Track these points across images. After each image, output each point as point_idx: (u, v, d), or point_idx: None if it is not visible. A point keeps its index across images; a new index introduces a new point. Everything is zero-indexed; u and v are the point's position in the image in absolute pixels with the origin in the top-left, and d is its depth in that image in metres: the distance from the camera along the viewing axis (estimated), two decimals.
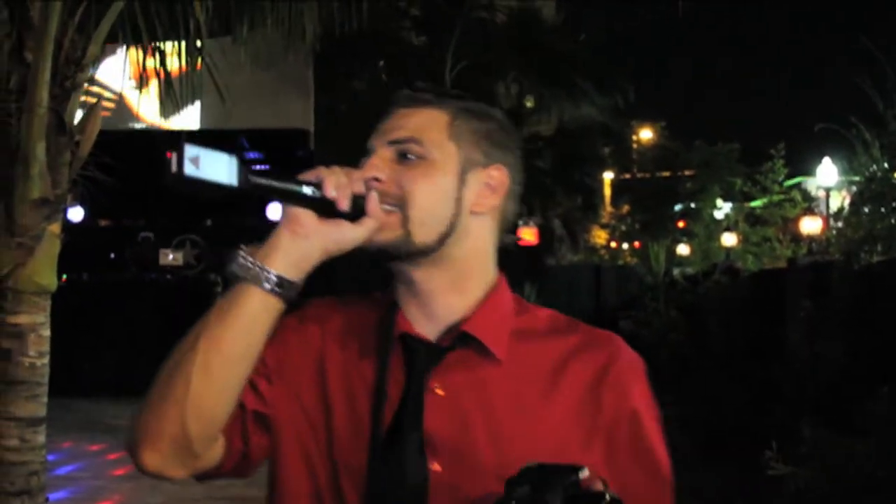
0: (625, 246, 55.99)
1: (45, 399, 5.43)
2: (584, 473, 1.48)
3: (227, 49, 8.11)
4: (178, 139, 1.58)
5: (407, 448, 1.73)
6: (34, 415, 5.33)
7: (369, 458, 1.72)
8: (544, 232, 27.78)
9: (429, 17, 22.45)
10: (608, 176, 53.68)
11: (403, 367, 1.78)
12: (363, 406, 1.77)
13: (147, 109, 17.56)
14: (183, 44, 6.59)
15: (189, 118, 16.79)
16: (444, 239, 1.78)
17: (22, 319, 5.30)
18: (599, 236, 53.54)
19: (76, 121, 5.62)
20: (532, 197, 25.28)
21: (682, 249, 46.40)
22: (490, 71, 24.38)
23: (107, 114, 16.04)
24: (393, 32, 23.10)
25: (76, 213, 16.65)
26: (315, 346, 1.85)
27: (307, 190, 1.68)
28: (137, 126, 18.20)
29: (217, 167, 1.62)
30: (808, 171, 33.17)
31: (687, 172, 51.95)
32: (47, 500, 5.53)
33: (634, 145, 57.95)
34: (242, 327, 1.70)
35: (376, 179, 1.76)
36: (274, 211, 18.16)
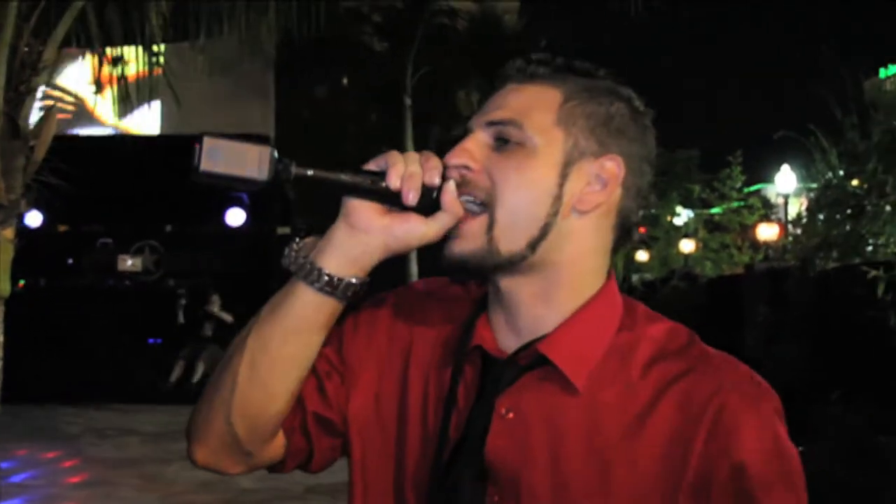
0: None
1: None
2: None
3: (187, 55, 8.10)
4: (197, 139, 1.43)
5: (465, 473, 1.55)
6: None
7: (430, 478, 1.57)
8: None
9: (390, 23, 22.44)
10: None
11: (477, 382, 1.58)
12: (433, 419, 1.61)
13: (108, 114, 17.50)
14: (140, 49, 6.56)
15: (150, 123, 16.77)
16: (534, 244, 1.50)
17: None
18: None
19: (31, 125, 5.58)
20: None
21: (641, 256, 46.57)
22: (451, 77, 24.42)
23: (66, 116, 15.97)
24: (355, 38, 23.09)
25: (34, 219, 16.54)
26: (404, 341, 1.69)
27: (367, 180, 1.50)
28: (99, 131, 18.10)
29: (244, 160, 1.45)
30: (768, 178, 33.41)
31: None
32: None
33: None
34: (292, 328, 1.56)
35: (466, 167, 1.53)
36: (232, 217, 18.13)
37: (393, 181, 1.48)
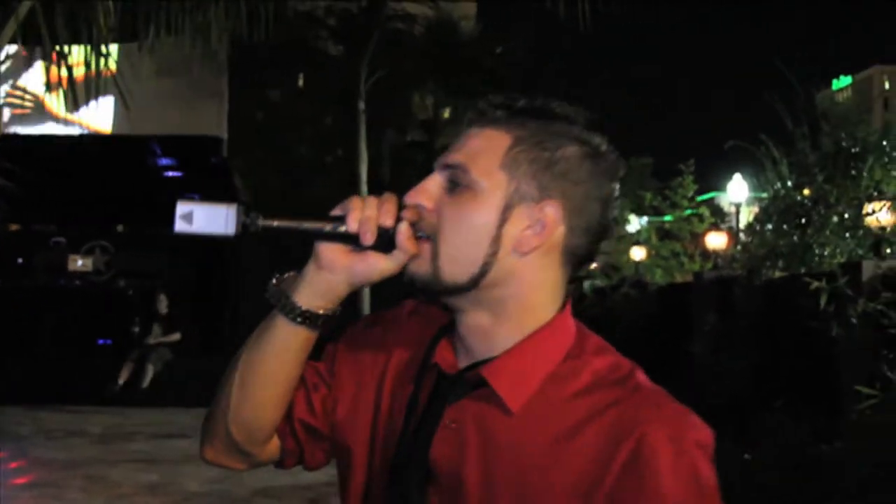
0: None
1: None
2: None
3: (139, 56, 8.07)
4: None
5: (410, 479, 1.73)
6: None
7: (384, 486, 1.77)
8: None
9: (346, 27, 22.42)
10: None
11: (431, 396, 1.77)
12: (395, 430, 1.79)
13: (64, 114, 17.39)
14: (87, 49, 6.55)
15: (103, 123, 16.68)
16: (476, 280, 1.64)
17: None
18: None
19: None
20: None
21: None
22: (407, 81, 24.43)
23: (25, 112, 15.83)
24: (310, 42, 23.06)
25: None
26: (384, 357, 1.89)
27: (328, 226, 1.68)
28: (55, 130, 17.98)
29: (212, 219, 1.65)
30: (721, 187, 33.63)
31: None
32: None
33: None
34: (272, 351, 1.78)
35: (423, 206, 1.68)
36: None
37: (351, 225, 1.65)
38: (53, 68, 6.67)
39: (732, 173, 30.77)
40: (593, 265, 44.03)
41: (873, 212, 10.08)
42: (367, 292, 18.22)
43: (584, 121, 1.70)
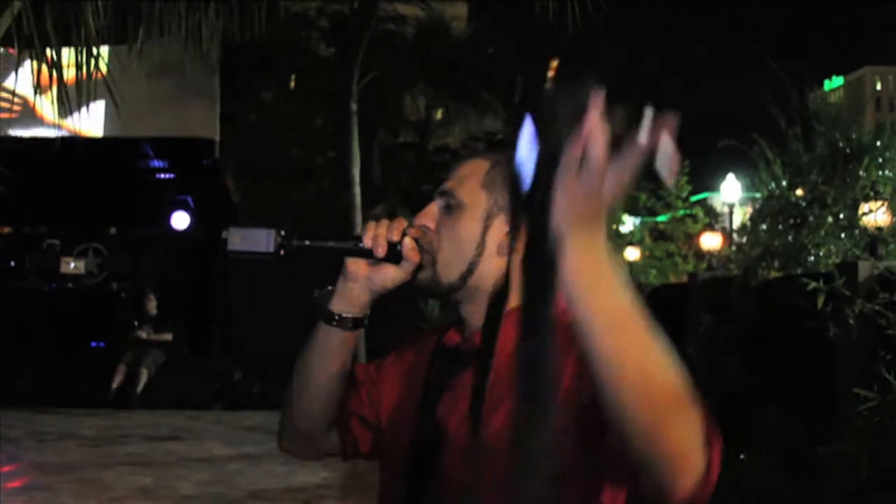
0: None
1: None
2: None
3: (130, 57, 8.01)
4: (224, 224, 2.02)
5: (423, 437, 2.10)
6: None
7: (413, 435, 2.13)
8: None
9: (337, 28, 22.37)
10: None
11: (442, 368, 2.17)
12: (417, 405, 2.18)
13: (54, 116, 17.30)
14: (78, 51, 6.50)
15: (94, 125, 16.59)
16: (465, 277, 2.10)
17: None
18: None
19: None
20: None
21: None
22: (398, 82, 24.40)
23: (12, 116, 15.75)
24: (301, 43, 23.02)
25: None
26: (421, 355, 2.27)
27: (348, 244, 2.10)
28: (44, 132, 17.91)
29: (257, 240, 2.05)
30: (714, 187, 33.64)
31: None
32: None
33: None
34: (317, 351, 2.19)
35: (426, 227, 2.13)
36: (177, 220, 18.01)
37: (366, 241, 2.07)
38: (43, 70, 6.62)
39: (725, 173, 30.80)
40: None
41: (870, 212, 10.05)
42: None
43: None
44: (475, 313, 2.11)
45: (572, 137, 1.44)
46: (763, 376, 8.62)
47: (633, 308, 1.52)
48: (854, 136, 10.59)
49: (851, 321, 7.68)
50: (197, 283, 19.13)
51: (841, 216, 10.39)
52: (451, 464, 2.03)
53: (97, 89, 7.11)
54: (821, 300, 7.81)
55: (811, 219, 10.49)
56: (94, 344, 18.12)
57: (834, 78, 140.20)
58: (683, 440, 1.53)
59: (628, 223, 47.43)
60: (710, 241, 32.53)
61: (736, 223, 26.69)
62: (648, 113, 1.49)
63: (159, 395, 16.20)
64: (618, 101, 1.56)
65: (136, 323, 17.26)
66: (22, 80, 7.85)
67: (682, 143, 1.49)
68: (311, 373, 2.21)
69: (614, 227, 47.08)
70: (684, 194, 35.74)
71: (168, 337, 17.18)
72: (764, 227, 11.45)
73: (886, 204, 9.98)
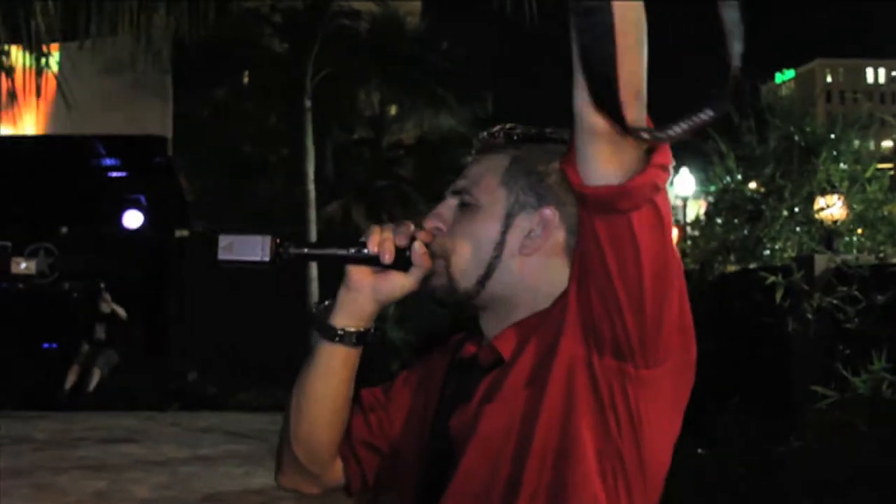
0: None
1: None
2: None
3: (81, 55, 7.91)
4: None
5: (435, 448, 1.96)
6: None
7: (427, 447, 1.99)
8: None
9: (291, 24, 22.27)
10: None
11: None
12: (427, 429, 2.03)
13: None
14: (27, 48, 6.39)
15: (44, 124, 16.41)
16: (483, 281, 1.90)
17: None
18: None
19: None
20: (393, 206, 25.31)
21: None
22: (352, 78, 24.32)
23: None
24: (255, 39, 22.90)
25: None
26: (433, 376, 2.10)
27: (350, 251, 1.90)
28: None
29: (249, 248, 1.86)
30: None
31: None
32: None
33: None
34: (319, 371, 1.98)
35: (438, 228, 1.96)
36: (130, 218, 17.85)
37: (371, 247, 1.88)
38: None
39: (678, 167, 30.93)
40: None
41: (826, 206, 10.08)
42: (315, 281, 18.19)
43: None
44: (493, 321, 1.94)
45: None
46: (722, 372, 8.63)
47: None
48: (809, 130, 10.64)
49: (809, 315, 7.70)
50: (151, 282, 18.99)
51: (797, 210, 10.44)
52: (464, 479, 1.86)
53: (48, 88, 7.01)
54: (779, 294, 7.82)
55: (767, 212, 10.53)
56: (46, 345, 17.96)
57: (785, 71, 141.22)
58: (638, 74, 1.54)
59: None
60: None
61: (690, 217, 26.78)
62: None
63: (113, 397, 16.08)
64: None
65: (96, 328, 17.13)
66: None
67: None
68: (313, 396, 2.00)
69: None
70: None
71: (123, 314, 17.07)
72: (719, 220, 11.48)
73: (842, 197, 10.02)
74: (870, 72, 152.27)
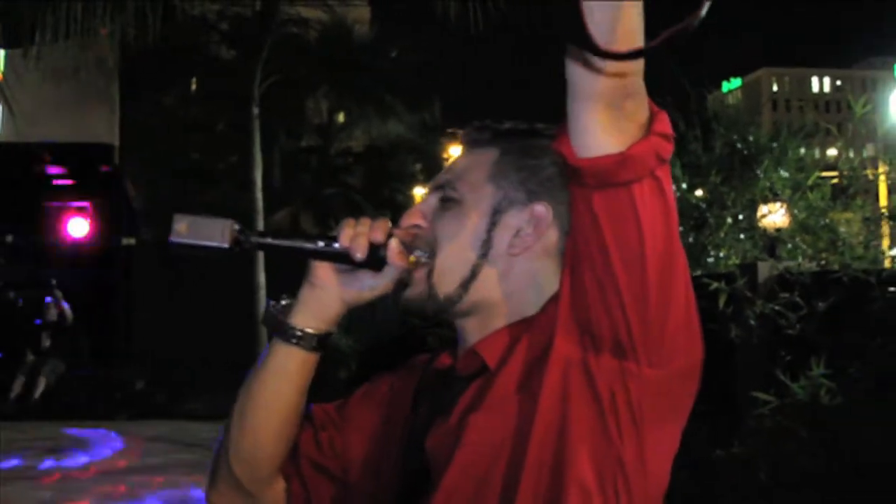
0: None
1: None
2: None
3: (27, 61, 7.88)
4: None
5: (410, 471, 1.78)
6: None
7: (401, 464, 1.82)
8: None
9: (238, 31, 22.20)
10: (420, 192, 54.13)
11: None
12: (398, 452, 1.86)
13: None
14: None
15: None
16: (466, 284, 1.74)
17: None
18: None
19: None
20: (342, 213, 25.28)
21: None
22: (301, 86, 24.28)
23: None
24: (202, 46, 22.82)
25: None
26: (394, 398, 1.93)
27: (319, 243, 1.74)
28: None
29: (208, 231, 1.69)
30: None
31: None
32: None
33: (446, 161, 58.54)
34: (270, 376, 1.79)
35: (417, 226, 1.79)
36: (75, 228, 17.75)
37: (343, 241, 1.71)
38: None
39: None
40: None
41: (769, 213, 10.18)
42: (263, 289, 18.15)
43: None
44: (475, 329, 1.76)
45: None
46: None
47: None
48: (752, 138, 10.73)
49: (752, 322, 7.78)
50: (98, 290, 18.88)
51: (740, 217, 10.52)
52: (446, 500, 1.66)
53: None
54: (722, 301, 7.89)
55: (711, 220, 10.60)
56: None
57: (732, 79, 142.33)
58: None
59: None
60: None
61: None
62: None
63: (60, 406, 15.96)
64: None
65: (44, 336, 17.02)
66: None
67: None
68: (261, 402, 1.79)
69: None
70: None
71: (70, 316, 17.00)
72: None
73: (785, 205, 10.12)
74: (815, 81, 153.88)
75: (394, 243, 1.71)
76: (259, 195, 19.95)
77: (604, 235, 1.50)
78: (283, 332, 1.78)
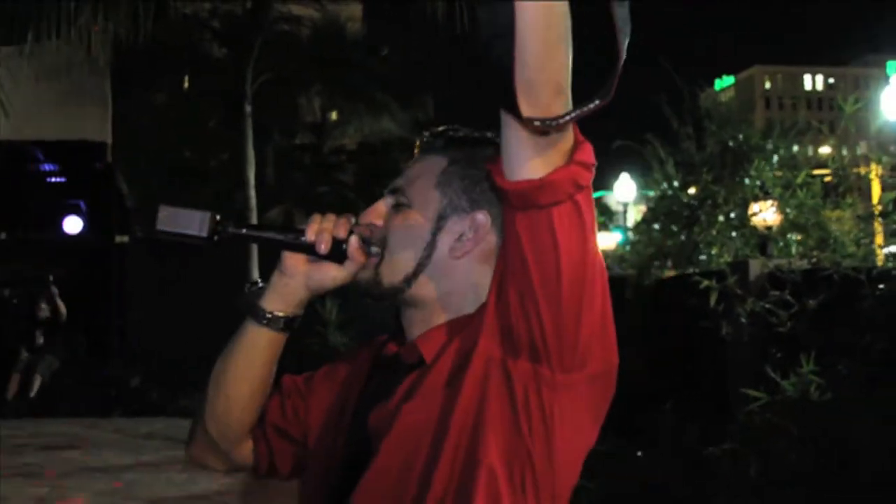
0: None
1: None
2: None
3: (17, 60, 7.89)
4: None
5: (353, 444, 1.97)
6: None
7: (345, 441, 2.02)
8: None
9: (230, 29, 22.16)
10: None
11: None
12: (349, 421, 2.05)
13: None
14: None
15: None
16: (409, 280, 1.93)
17: None
18: None
19: None
20: (335, 210, 25.20)
21: None
22: (293, 84, 24.25)
23: None
24: (194, 44, 22.77)
25: None
26: (355, 371, 2.13)
27: (289, 237, 1.95)
28: None
29: (188, 221, 1.89)
30: (608, 186, 33.94)
31: None
32: None
33: None
34: (242, 352, 2.03)
35: (374, 224, 1.98)
36: (70, 224, 17.71)
37: (308, 235, 1.92)
38: None
39: (619, 172, 31.07)
40: None
41: (760, 211, 10.22)
42: (256, 269, 18.13)
43: None
44: (417, 321, 1.96)
45: None
46: (659, 375, 8.74)
47: None
48: (743, 136, 10.76)
49: (743, 319, 7.82)
50: (92, 288, 18.87)
51: (732, 215, 10.56)
52: (377, 475, 1.86)
53: None
54: (713, 298, 7.93)
55: (703, 218, 10.64)
56: None
57: (724, 77, 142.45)
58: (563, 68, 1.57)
59: None
60: (605, 240, 32.81)
61: (631, 222, 26.95)
62: None
63: (55, 403, 15.96)
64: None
65: (38, 336, 17.01)
66: None
67: None
68: (233, 374, 2.04)
69: None
70: None
71: (64, 312, 17.00)
72: (657, 226, 11.58)
73: (776, 203, 10.16)
74: (807, 78, 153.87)
75: (354, 240, 1.92)
76: (252, 193, 19.95)
77: (524, 252, 1.67)
78: (254, 313, 2.01)
